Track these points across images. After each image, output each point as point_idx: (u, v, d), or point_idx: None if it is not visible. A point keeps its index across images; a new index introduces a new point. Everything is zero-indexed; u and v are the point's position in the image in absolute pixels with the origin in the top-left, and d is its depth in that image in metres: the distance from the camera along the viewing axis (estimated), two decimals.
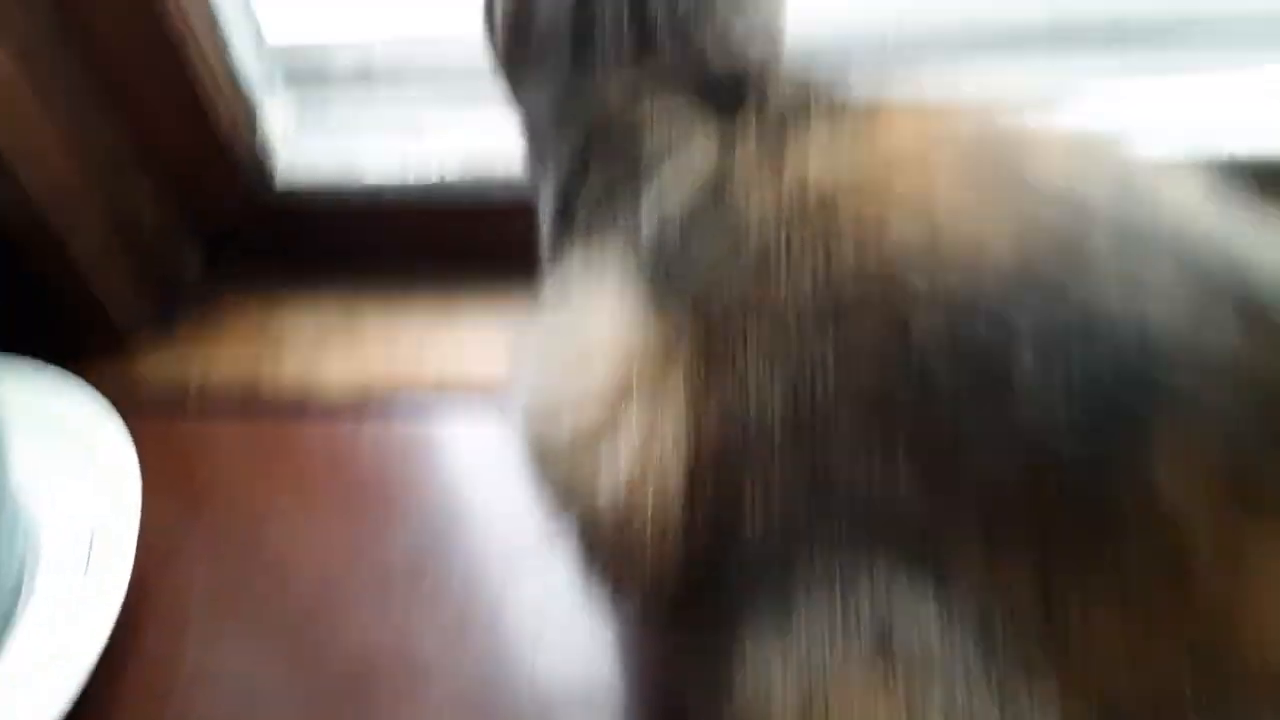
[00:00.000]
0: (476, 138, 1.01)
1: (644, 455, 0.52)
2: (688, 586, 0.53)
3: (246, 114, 1.03)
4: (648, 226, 0.58)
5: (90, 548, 0.81)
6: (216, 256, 1.08)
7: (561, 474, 0.55)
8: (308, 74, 1.08)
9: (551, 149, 0.69)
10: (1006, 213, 0.45)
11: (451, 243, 1.03)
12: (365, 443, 0.91)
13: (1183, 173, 0.50)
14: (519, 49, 0.70)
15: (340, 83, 1.09)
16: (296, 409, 0.95)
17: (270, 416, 0.95)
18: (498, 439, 0.88)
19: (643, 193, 0.59)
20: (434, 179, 1.02)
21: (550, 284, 0.64)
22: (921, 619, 0.43)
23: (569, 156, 0.67)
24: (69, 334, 0.98)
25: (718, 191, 0.55)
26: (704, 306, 0.52)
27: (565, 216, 0.67)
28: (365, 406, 0.94)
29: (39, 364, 0.93)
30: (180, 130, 1.00)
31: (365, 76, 1.08)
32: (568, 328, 0.55)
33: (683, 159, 0.59)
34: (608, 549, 0.55)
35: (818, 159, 0.52)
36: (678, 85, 0.64)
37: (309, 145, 1.06)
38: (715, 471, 0.51)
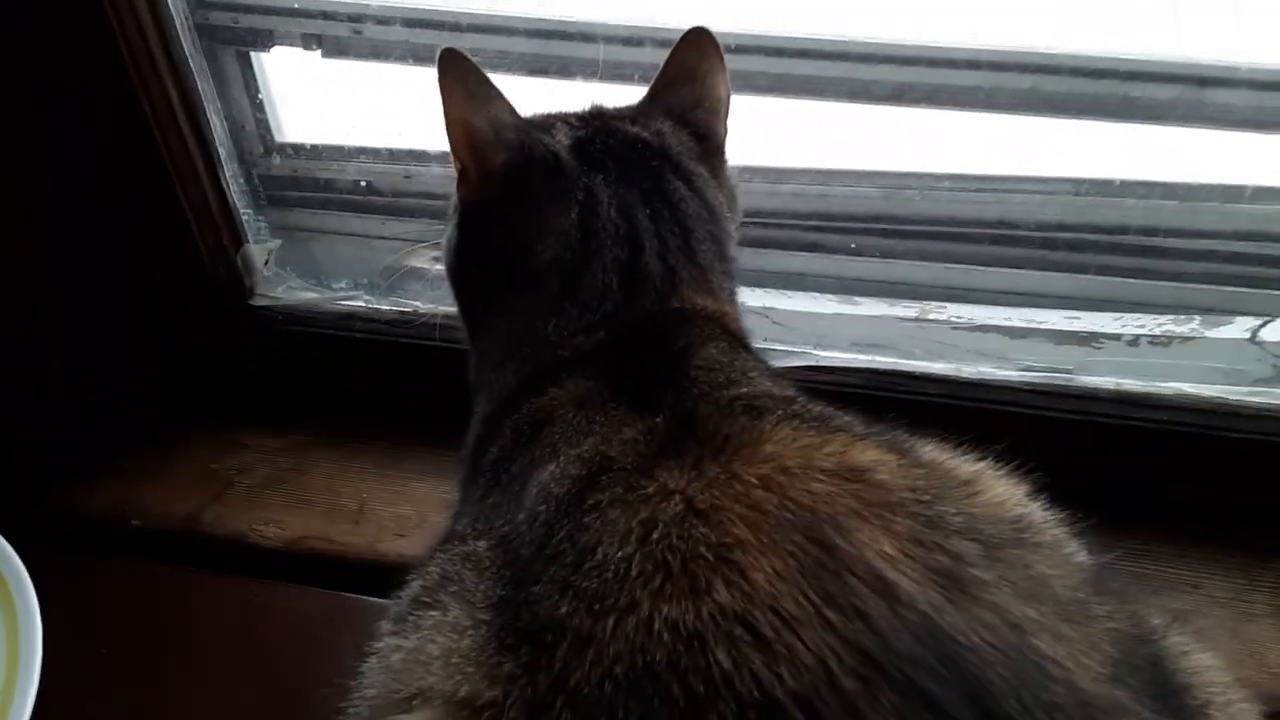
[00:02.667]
0: None
1: None
2: None
3: (230, 239, 1.02)
4: (522, 514, 0.56)
5: None
6: (182, 385, 1.08)
7: None
8: (294, 202, 1.08)
9: (494, 376, 0.70)
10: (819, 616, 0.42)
11: (413, 386, 1.02)
12: (292, 604, 0.89)
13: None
14: (510, 276, 0.70)
15: (327, 210, 1.08)
16: (228, 557, 0.94)
17: (203, 562, 0.93)
18: None
19: (533, 476, 0.57)
20: (409, 311, 1.01)
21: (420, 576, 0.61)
22: None
23: (499, 398, 0.68)
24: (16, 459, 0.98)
25: (583, 493, 0.53)
26: (540, 640, 0.48)
27: (476, 454, 0.67)
28: (297, 564, 0.92)
29: None
30: (160, 254, 1.00)
31: (358, 202, 1.07)
32: (405, 660, 0.52)
33: (576, 450, 0.57)
34: None
35: (682, 482, 0.50)
36: (615, 352, 0.64)
37: (286, 271, 1.06)
38: None
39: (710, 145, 0.76)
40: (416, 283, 1.03)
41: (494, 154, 0.69)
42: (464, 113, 0.68)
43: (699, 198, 0.72)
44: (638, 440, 0.55)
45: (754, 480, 0.48)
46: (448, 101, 0.68)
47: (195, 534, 0.95)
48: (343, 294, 1.04)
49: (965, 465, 0.55)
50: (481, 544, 0.56)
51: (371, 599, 0.89)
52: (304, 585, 0.90)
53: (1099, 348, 0.98)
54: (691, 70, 0.76)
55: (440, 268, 0.80)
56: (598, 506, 0.51)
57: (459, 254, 0.74)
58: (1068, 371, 0.95)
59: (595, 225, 0.68)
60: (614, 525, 0.49)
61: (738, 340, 0.68)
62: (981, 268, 1.02)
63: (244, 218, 1.02)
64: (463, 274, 0.75)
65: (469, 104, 0.68)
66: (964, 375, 0.95)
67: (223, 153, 0.98)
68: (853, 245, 1.02)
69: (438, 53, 0.67)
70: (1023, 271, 1.01)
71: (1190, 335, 0.98)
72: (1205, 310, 0.98)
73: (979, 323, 1.01)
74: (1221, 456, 0.91)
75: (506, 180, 0.70)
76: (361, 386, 1.03)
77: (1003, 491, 0.53)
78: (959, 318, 1.01)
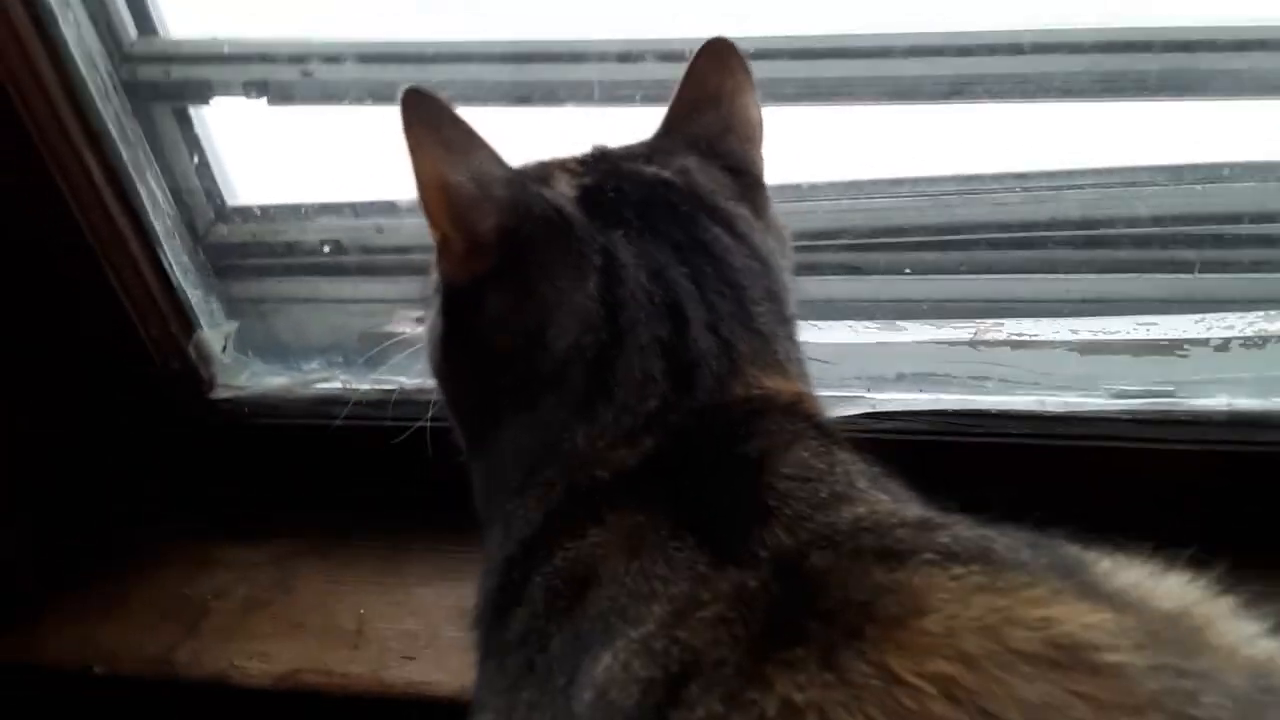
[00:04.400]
0: None
1: None
2: None
3: (179, 326, 0.88)
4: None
5: None
6: (141, 499, 0.93)
7: None
8: (251, 273, 0.93)
9: (511, 506, 0.54)
10: None
11: (408, 476, 0.88)
12: None
13: None
14: (518, 373, 0.55)
15: (290, 277, 0.94)
16: (210, 702, 0.79)
17: (181, 710, 0.79)
18: None
19: (581, 665, 0.43)
20: (394, 392, 0.87)
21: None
22: None
23: (519, 538, 0.53)
24: None
25: (665, 713, 0.38)
26: None
27: (499, 615, 0.52)
28: (290, 704, 0.78)
29: None
30: (104, 347, 0.86)
31: (324, 265, 0.93)
32: None
33: (640, 631, 0.42)
34: None
35: (815, 690, 0.35)
36: (670, 469, 0.50)
37: (250, 354, 0.92)
38: None
39: (748, 180, 0.61)
40: (400, 354, 0.89)
41: (482, 217, 0.54)
42: (440, 169, 0.53)
43: (745, 246, 0.57)
44: (728, 617, 0.40)
45: (927, 686, 0.34)
46: (418, 156, 0.53)
47: (169, 678, 0.81)
48: (316, 375, 0.90)
49: (1164, 590, 0.40)
50: None
51: None
52: None
53: (1185, 355, 0.85)
54: (715, 91, 0.62)
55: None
56: None
57: (447, 348, 0.59)
58: (1168, 394, 0.82)
59: (622, 295, 0.54)
60: None
61: (826, 433, 0.53)
62: (1039, 275, 0.89)
63: (193, 299, 0.88)
64: (454, 373, 0.60)
65: (446, 158, 0.53)
66: (1049, 409, 0.82)
67: (160, 227, 0.84)
68: (890, 263, 0.88)
69: (400, 94, 0.52)
70: (1086, 275, 0.88)
71: None
72: None
73: (1044, 339, 0.87)
74: None
75: (501, 249, 0.55)
76: (346, 482, 0.89)
77: (1227, 629, 0.39)
78: (1019, 335, 0.87)
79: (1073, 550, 0.42)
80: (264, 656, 0.81)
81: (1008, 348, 0.87)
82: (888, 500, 0.48)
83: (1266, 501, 0.77)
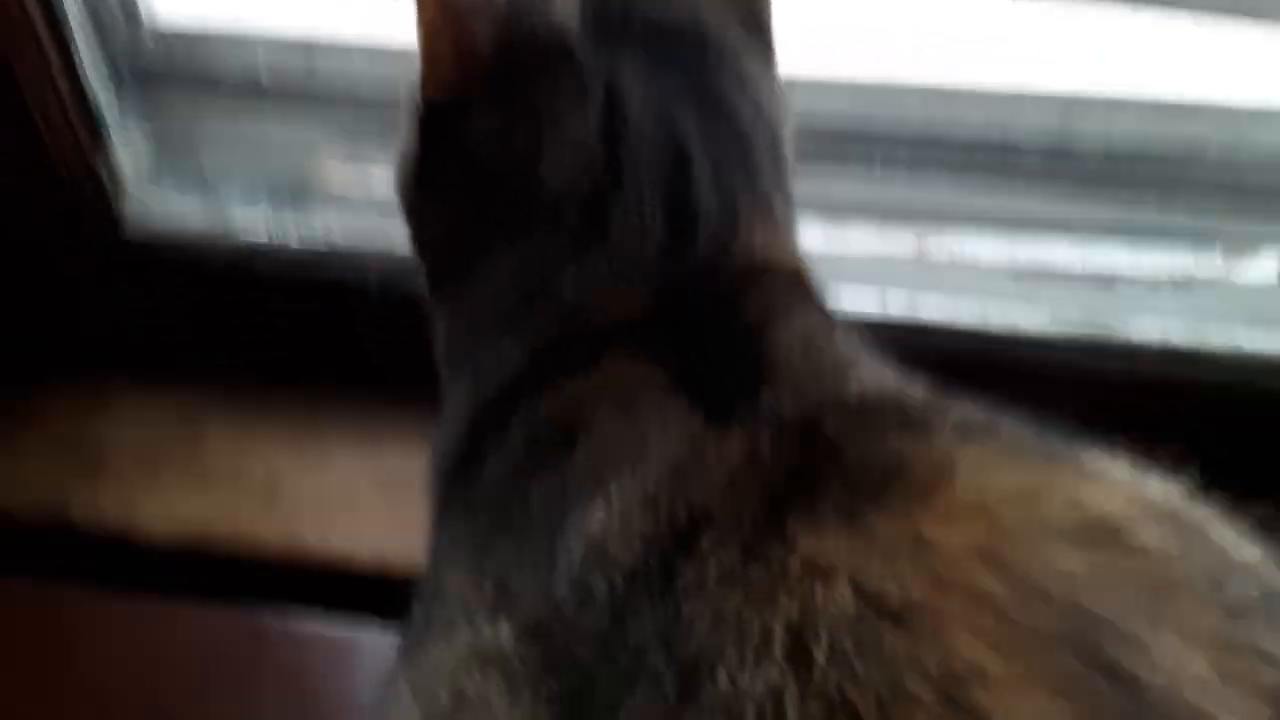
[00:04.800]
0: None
1: None
2: None
3: (90, 143, 0.79)
4: (563, 584, 0.39)
5: None
6: (37, 329, 0.86)
7: None
8: (173, 93, 0.85)
9: (485, 350, 0.51)
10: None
11: (332, 333, 0.83)
12: (189, 630, 0.71)
13: None
14: (503, 208, 0.51)
15: (215, 105, 0.86)
16: (106, 563, 0.75)
17: (72, 570, 0.74)
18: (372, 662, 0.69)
19: (569, 518, 0.40)
20: (323, 244, 0.81)
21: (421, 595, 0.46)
22: None
23: (496, 383, 0.49)
24: None
25: (672, 564, 0.36)
26: None
27: (466, 465, 0.49)
28: (196, 570, 0.74)
29: None
30: (6, 164, 0.78)
31: (250, 96, 0.86)
32: None
33: (637, 485, 0.40)
34: None
35: (841, 549, 0.33)
36: (666, 321, 0.47)
37: (168, 187, 0.84)
38: None
39: (757, 24, 0.56)
40: (333, 207, 0.84)
41: (478, 27, 0.50)
42: None
43: (754, 101, 0.53)
44: (738, 477, 0.38)
45: (963, 552, 0.32)
46: None
47: (63, 526, 0.76)
48: (238, 216, 0.83)
49: (1156, 489, 0.38)
50: (504, 632, 0.39)
51: (297, 614, 0.73)
52: (206, 596, 0.72)
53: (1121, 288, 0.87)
54: None
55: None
56: (701, 587, 0.34)
57: (421, 178, 0.54)
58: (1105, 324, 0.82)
59: (623, 134, 0.49)
60: (738, 626, 0.32)
61: (825, 309, 0.51)
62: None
63: (108, 117, 0.79)
64: (427, 205, 0.55)
65: None
66: (991, 328, 0.82)
67: (78, 31, 0.75)
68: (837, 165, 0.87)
69: None
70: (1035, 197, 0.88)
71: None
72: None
73: (985, 257, 0.88)
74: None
75: (495, 65, 0.50)
76: (265, 335, 0.84)
77: (1221, 530, 0.38)
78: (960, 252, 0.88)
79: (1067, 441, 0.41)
80: (168, 510, 0.77)
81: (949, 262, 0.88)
82: (894, 375, 0.47)
83: (1195, 435, 0.79)
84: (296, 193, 0.84)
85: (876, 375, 0.47)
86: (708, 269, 0.49)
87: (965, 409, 0.42)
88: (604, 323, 0.48)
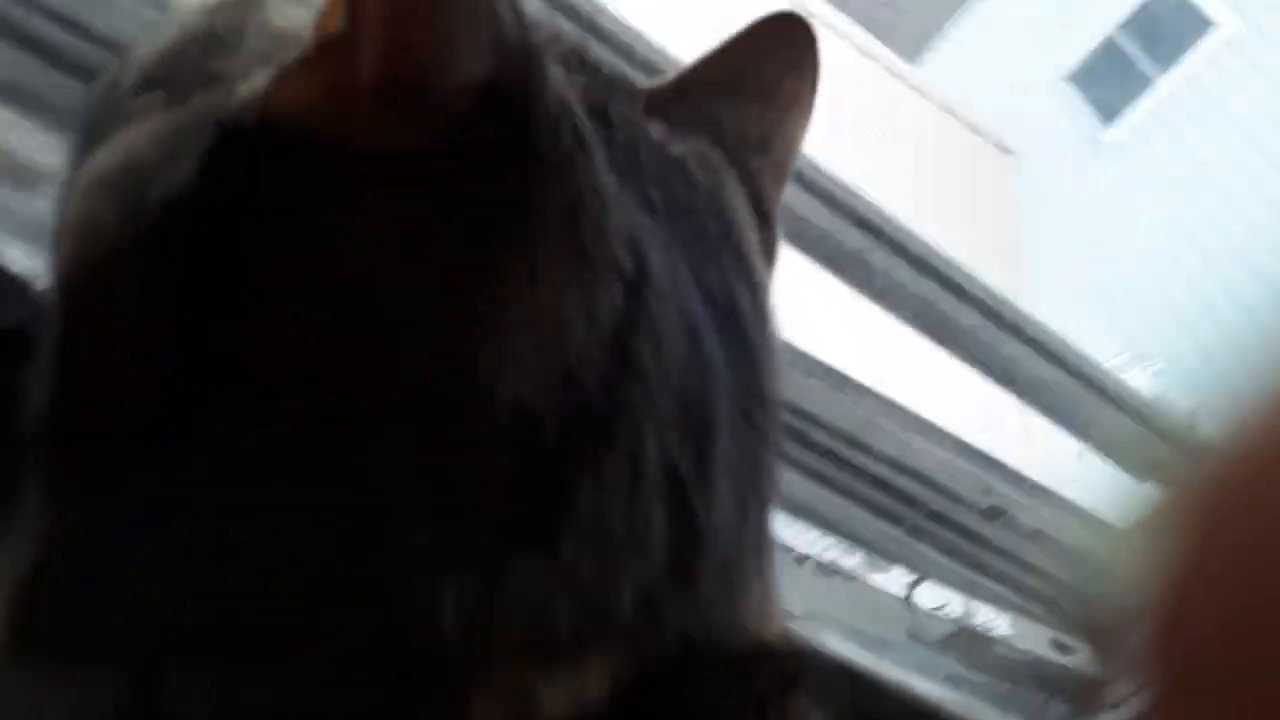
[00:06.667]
0: None
1: None
2: None
3: None
4: None
5: None
6: None
7: None
8: None
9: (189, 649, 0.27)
10: None
11: None
12: None
13: None
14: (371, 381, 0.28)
15: None
16: None
17: None
18: None
19: None
20: None
21: None
22: None
23: None
24: None
25: None
26: None
27: None
28: None
29: None
30: None
31: None
32: None
33: None
34: None
35: None
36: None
37: None
38: None
39: (766, 221, 0.39)
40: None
41: (466, 45, 0.28)
42: None
43: (763, 319, 0.36)
44: None
45: None
46: None
47: None
48: None
49: None
50: None
51: None
52: None
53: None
54: (772, 84, 0.41)
55: None
56: None
57: (179, 226, 0.29)
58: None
59: (643, 348, 0.29)
60: None
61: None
62: None
63: None
64: (171, 281, 0.29)
65: None
66: None
67: None
68: None
69: None
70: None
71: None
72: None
73: None
74: None
75: (463, 125, 0.28)
76: None
77: None
78: None
79: None
80: None
81: None
82: None
83: None
84: None
85: None
86: (705, 640, 0.29)
87: None
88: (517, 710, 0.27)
